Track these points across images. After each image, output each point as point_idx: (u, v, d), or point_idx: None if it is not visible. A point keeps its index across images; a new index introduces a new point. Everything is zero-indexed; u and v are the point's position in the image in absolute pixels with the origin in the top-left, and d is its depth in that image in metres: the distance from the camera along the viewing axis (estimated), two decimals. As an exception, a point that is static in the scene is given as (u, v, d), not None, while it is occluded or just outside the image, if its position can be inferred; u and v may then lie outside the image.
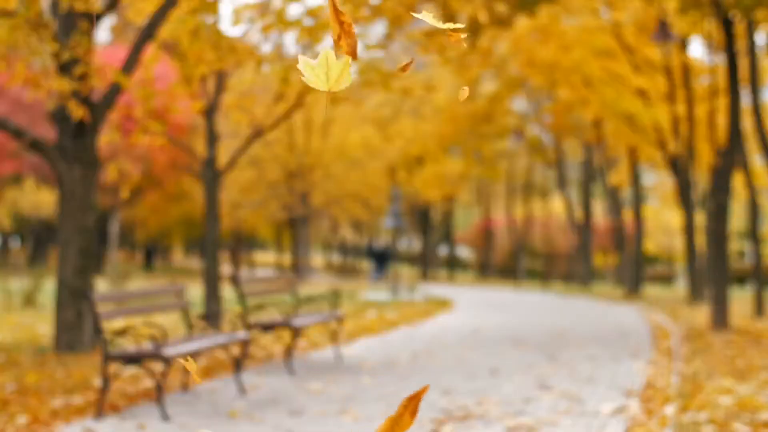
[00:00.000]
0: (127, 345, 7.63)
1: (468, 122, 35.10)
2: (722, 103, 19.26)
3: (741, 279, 36.78)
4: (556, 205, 46.21)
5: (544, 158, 39.07)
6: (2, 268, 30.16)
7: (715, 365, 9.34)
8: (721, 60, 19.28)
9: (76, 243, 10.01)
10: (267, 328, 9.42)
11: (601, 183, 34.35)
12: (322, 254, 64.45)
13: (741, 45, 16.38)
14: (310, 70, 1.62)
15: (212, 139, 13.41)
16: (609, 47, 21.81)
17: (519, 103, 38.37)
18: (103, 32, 38.22)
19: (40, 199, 33.04)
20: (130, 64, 10.03)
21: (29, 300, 16.68)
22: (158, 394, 6.71)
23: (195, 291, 19.24)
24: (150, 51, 11.36)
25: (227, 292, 18.66)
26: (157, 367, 8.11)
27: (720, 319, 13.41)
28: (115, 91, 10.11)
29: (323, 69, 1.63)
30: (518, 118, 37.26)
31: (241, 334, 8.15)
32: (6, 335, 11.80)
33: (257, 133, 13.52)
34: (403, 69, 1.71)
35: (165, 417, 6.61)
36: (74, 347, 9.85)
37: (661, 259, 47.70)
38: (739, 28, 15.74)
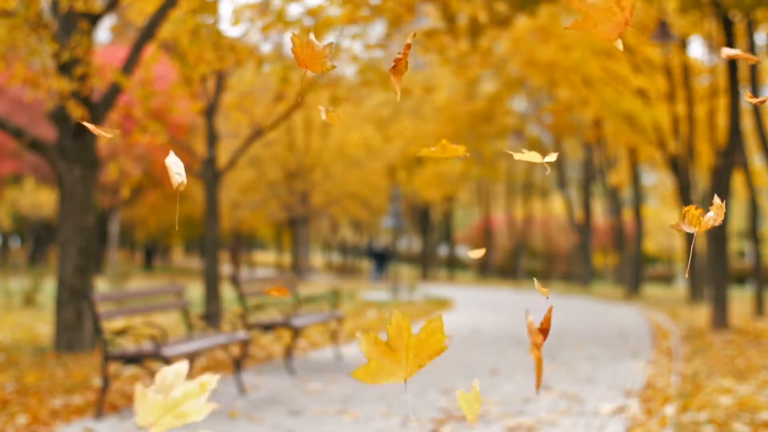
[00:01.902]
0: (127, 345, 7.63)
1: (468, 122, 35.09)
2: (722, 103, 19.26)
3: (741, 279, 36.79)
4: (556, 205, 46.22)
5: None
6: (2, 268, 30.16)
7: (715, 365, 9.34)
8: (721, 60, 19.28)
9: (76, 243, 10.01)
10: (267, 328, 9.42)
11: (601, 183, 34.36)
12: (322, 254, 64.45)
13: (741, 45, 16.37)
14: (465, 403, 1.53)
15: (212, 139, 13.41)
16: (609, 47, 21.79)
17: (519, 103, 38.37)
18: (103, 32, 38.23)
19: (40, 199, 33.04)
20: (130, 64, 10.03)
21: (29, 300, 16.68)
22: (158, 394, 6.71)
23: (195, 291, 19.24)
24: (150, 51, 11.36)
25: (227, 292, 18.66)
26: (157, 367, 8.11)
27: (720, 319, 13.41)
28: (115, 91, 10.11)
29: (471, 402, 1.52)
30: (518, 118, 37.26)
31: (241, 334, 8.15)
32: (6, 335, 11.80)
33: (257, 133, 13.52)
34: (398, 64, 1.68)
35: (165, 417, 6.60)
36: (74, 347, 9.85)
37: (661, 259, 47.71)
38: (739, 28, 15.74)
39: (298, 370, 9.26)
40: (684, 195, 21.76)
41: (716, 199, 1.67)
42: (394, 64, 1.58)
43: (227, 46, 10.91)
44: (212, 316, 12.26)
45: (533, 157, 1.61)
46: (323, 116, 1.61)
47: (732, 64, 13.91)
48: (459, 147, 1.60)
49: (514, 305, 21.16)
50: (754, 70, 15.63)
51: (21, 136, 10.00)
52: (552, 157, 1.61)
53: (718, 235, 13.76)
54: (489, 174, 39.66)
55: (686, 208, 1.66)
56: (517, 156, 1.62)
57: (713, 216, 1.63)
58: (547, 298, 1.61)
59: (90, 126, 1.59)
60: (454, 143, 1.61)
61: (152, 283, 27.21)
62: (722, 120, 19.93)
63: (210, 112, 13.38)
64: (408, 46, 1.58)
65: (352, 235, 58.01)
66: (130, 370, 8.36)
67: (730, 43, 13.86)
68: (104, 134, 1.61)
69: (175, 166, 1.54)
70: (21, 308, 16.23)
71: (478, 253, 1.68)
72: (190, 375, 8.30)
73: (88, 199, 10.17)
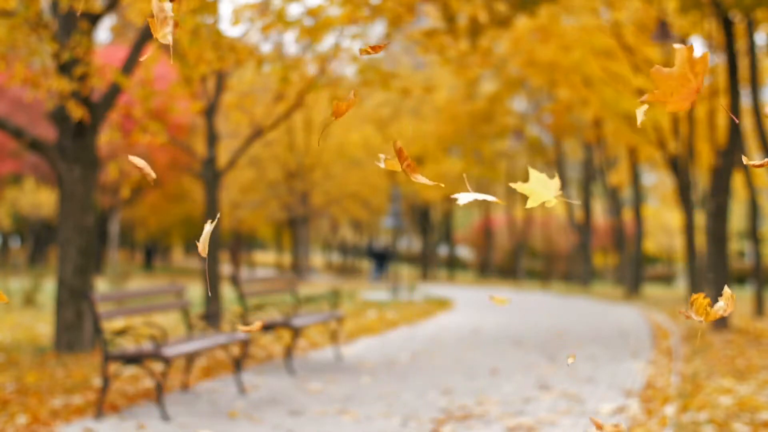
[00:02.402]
0: (127, 345, 7.63)
1: (468, 122, 35.08)
2: (722, 103, 19.25)
3: (741, 279, 36.78)
4: (556, 205, 46.18)
5: (544, 158, 39.06)
6: (2, 268, 30.16)
7: (715, 365, 9.34)
8: (721, 60, 19.28)
9: (76, 243, 10.01)
10: (267, 328, 9.42)
11: (601, 183, 34.36)
12: (322, 254, 64.45)
13: (741, 45, 16.37)
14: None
15: (212, 139, 13.41)
16: (609, 47, 21.80)
17: (519, 103, 38.37)
18: (103, 32, 38.23)
19: (40, 199, 33.04)
20: (130, 64, 10.02)
21: (29, 300, 16.68)
22: (158, 394, 6.72)
23: (195, 291, 19.24)
24: (150, 51, 11.36)
25: (227, 292, 18.66)
26: (157, 367, 8.11)
27: (720, 319, 13.40)
28: (115, 91, 10.11)
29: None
30: (518, 118, 37.26)
31: (241, 334, 8.15)
32: (6, 335, 11.80)
33: (257, 133, 13.52)
34: (374, 49, 1.69)
35: (165, 417, 6.61)
36: (74, 347, 9.85)
37: (661, 259, 47.71)
38: (739, 28, 15.73)
39: (298, 370, 9.26)
40: (684, 195, 21.76)
41: (726, 290, 1.67)
42: (404, 170, 1.61)
43: (227, 46, 10.91)
44: (212, 316, 12.26)
45: (535, 193, 1.59)
46: (382, 165, 1.62)
47: (732, 64, 13.91)
48: (498, 200, 1.61)
49: (514, 305, 21.15)
50: (754, 70, 15.63)
51: (21, 136, 10.00)
52: (553, 200, 1.59)
53: (718, 235, 13.76)
54: (489, 174, 39.67)
55: (694, 296, 1.65)
56: (516, 186, 1.60)
57: (723, 306, 1.64)
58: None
59: (139, 162, 1.63)
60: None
61: (152, 283, 27.20)
62: (722, 120, 19.93)
63: (210, 112, 13.38)
64: (401, 151, 1.61)
65: (352, 235, 58.00)
66: (130, 370, 8.36)
67: (730, 43, 13.86)
68: (148, 173, 1.65)
69: (204, 237, 1.58)
70: (21, 308, 16.23)
71: (502, 300, 1.69)
72: (190, 375, 8.31)
73: (88, 199, 10.17)
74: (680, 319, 16.15)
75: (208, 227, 1.58)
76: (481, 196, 1.57)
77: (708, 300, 1.65)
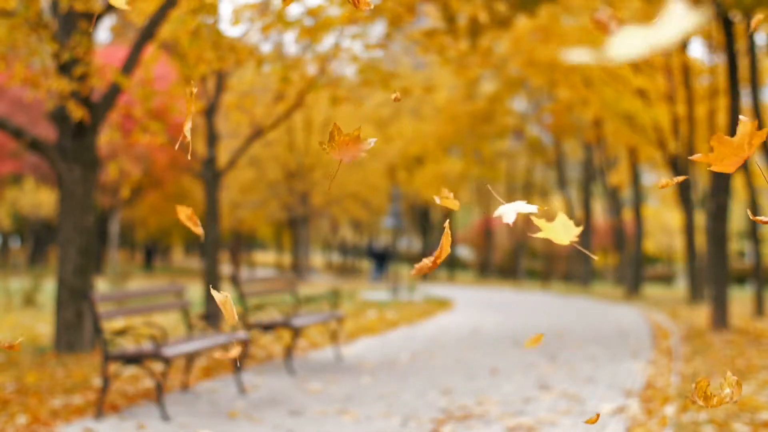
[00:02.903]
0: (127, 345, 7.63)
1: (468, 122, 35.08)
2: (722, 103, 19.25)
3: (741, 279, 36.79)
4: (556, 205, 46.19)
5: (544, 158, 39.05)
6: (2, 268, 30.14)
7: (715, 365, 9.34)
8: (721, 60, 19.28)
9: (76, 243, 10.01)
10: (267, 328, 9.42)
11: (601, 183, 34.34)
12: (322, 254, 64.45)
13: (741, 45, 16.37)
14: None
15: (212, 139, 13.41)
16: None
17: (519, 103, 38.37)
18: (103, 32, 38.19)
19: (40, 199, 33.04)
20: (130, 64, 10.02)
21: (29, 300, 16.68)
22: (158, 394, 6.72)
23: (195, 291, 19.23)
24: (150, 51, 11.36)
25: (227, 292, 18.63)
26: (157, 367, 8.11)
27: (720, 319, 13.40)
28: (115, 91, 10.11)
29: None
30: (518, 118, 37.25)
31: (241, 334, 8.15)
32: (6, 335, 11.80)
33: (257, 133, 13.52)
34: (396, 99, 1.72)
35: (165, 417, 6.61)
36: (74, 347, 9.85)
37: (661, 259, 47.71)
38: (739, 28, 15.73)
39: (298, 370, 9.26)
40: (684, 195, 21.77)
41: (729, 375, 1.70)
42: (434, 264, 1.64)
43: (227, 46, 10.90)
44: (212, 316, 12.26)
45: (552, 232, 1.59)
46: (438, 200, 1.64)
47: (732, 64, 13.91)
48: (540, 208, 1.62)
49: (515, 305, 21.15)
50: (754, 70, 15.63)
51: (21, 136, 10.00)
52: (565, 242, 1.60)
53: (718, 235, 13.76)
54: (489, 174, 39.67)
55: (698, 380, 1.67)
56: (537, 221, 1.61)
57: (729, 393, 1.67)
58: None
59: (185, 213, 1.66)
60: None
61: (152, 283, 27.21)
62: (722, 120, 19.93)
63: (210, 112, 13.38)
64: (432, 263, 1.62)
65: (352, 235, 58.00)
66: (130, 370, 8.36)
67: (730, 43, 13.85)
68: (198, 230, 1.69)
69: (219, 297, 1.62)
70: (21, 308, 16.23)
71: (534, 342, 1.71)
72: (190, 375, 8.31)
73: (88, 199, 10.17)
74: (680, 319, 16.15)
75: (218, 297, 1.61)
76: (523, 208, 1.57)
77: (709, 382, 1.68)
